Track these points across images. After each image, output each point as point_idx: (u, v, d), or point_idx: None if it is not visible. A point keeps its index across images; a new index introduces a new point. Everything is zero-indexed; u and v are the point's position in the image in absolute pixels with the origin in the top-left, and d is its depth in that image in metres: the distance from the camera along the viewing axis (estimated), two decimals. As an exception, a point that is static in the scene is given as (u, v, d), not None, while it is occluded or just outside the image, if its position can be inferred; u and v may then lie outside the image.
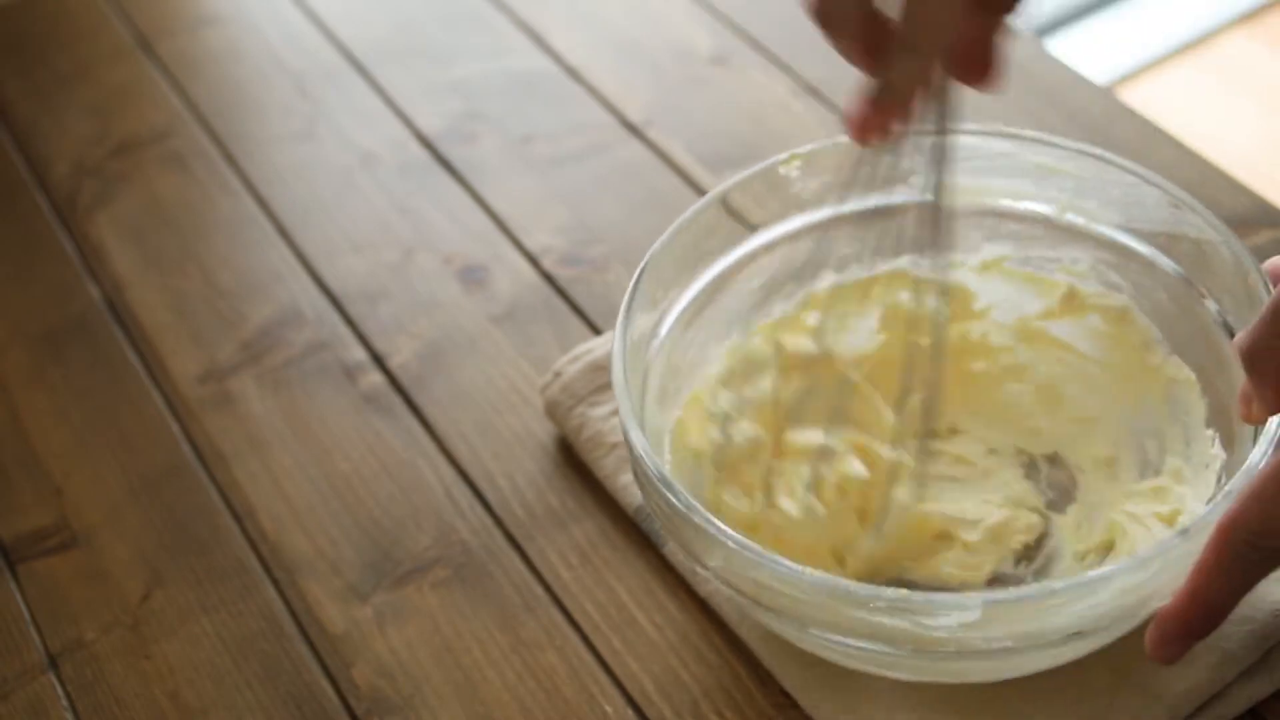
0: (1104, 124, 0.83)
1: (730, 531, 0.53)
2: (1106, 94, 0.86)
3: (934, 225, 0.56)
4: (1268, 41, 1.79)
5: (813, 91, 0.87)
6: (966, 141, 0.64)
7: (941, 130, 0.52)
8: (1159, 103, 1.66)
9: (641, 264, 0.62)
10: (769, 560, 0.52)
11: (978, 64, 0.49)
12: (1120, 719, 0.56)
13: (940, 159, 0.53)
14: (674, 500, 0.54)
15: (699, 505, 0.54)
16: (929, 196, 0.54)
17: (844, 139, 0.64)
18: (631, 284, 0.61)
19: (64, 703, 0.64)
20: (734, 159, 0.83)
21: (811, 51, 0.90)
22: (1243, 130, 1.66)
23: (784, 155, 0.65)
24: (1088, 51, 1.80)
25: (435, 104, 0.91)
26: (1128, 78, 1.74)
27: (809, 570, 0.52)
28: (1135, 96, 1.65)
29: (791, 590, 0.53)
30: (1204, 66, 1.77)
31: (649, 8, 0.96)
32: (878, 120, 0.51)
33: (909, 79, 0.50)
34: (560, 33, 0.94)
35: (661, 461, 0.56)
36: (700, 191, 0.82)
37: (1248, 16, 1.82)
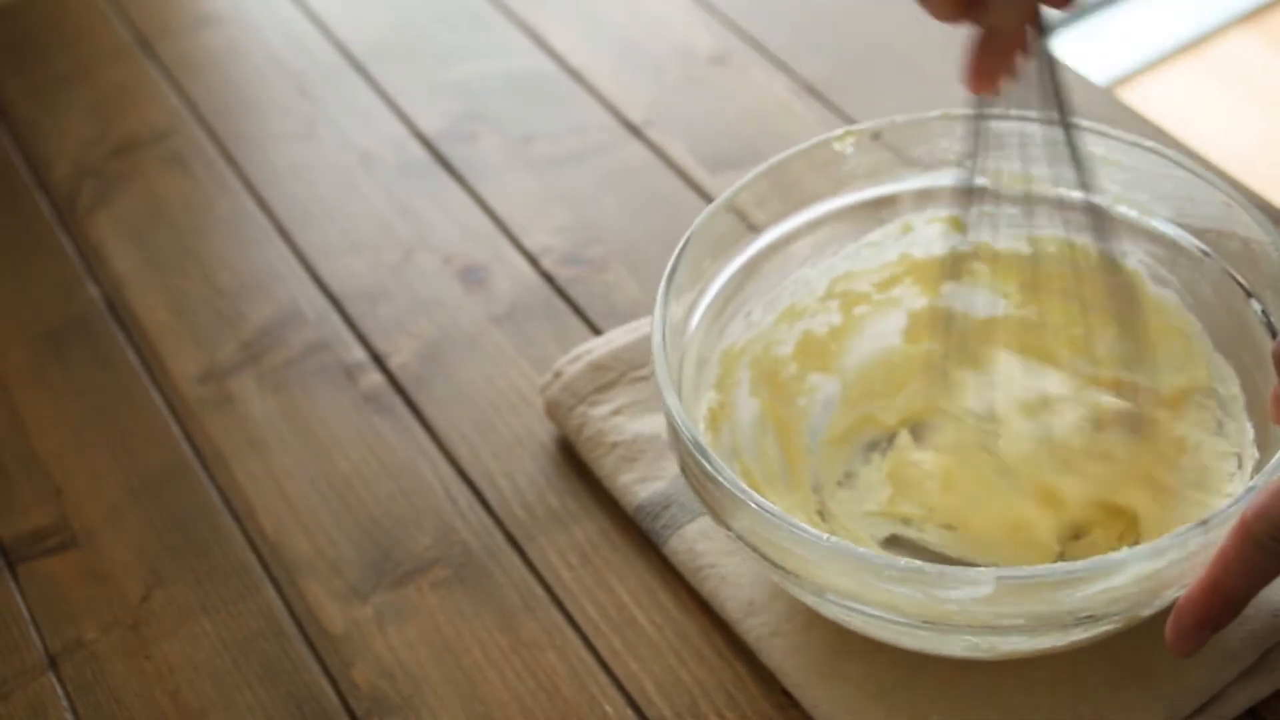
0: (1105, 124, 0.83)
1: (755, 495, 0.54)
2: (1107, 94, 0.86)
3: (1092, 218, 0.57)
4: (1268, 41, 1.79)
5: (813, 91, 0.87)
6: (1018, 128, 0.65)
7: (1061, 117, 0.56)
8: (1159, 103, 1.66)
9: (684, 238, 0.62)
10: (790, 524, 0.53)
11: None
12: (1120, 717, 0.56)
13: (1069, 154, 0.55)
14: (704, 463, 0.55)
15: (727, 468, 0.55)
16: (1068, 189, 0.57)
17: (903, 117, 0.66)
18: (673, 259, 0.61)
19: (64, 703, 0.64)
20: (734, 159, 0.83)
21: (811, 51, 0.90)
22: (1243, 130, 1.66)
23: (838, 132, 0.66)
24: (1088, 51, 1.80)
25: (435, 104, 0.91)
26: (1128, 78, 1.74)
27: (828, 536, 0.52)
28: (1135, 96, 1.65)
29: (810, 554, 0.53)
30: (1204, 66, 1.77)
31: (649, 8, 0.96)
32: (989, 66, 0.54)
33: (1012, 17, 0.54)
34: (560, 33, 0.94)
35: (695, 428, 0.57)
36: (700, 191, 0.82)
37: (1248, 16, 1.82)
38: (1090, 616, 0.52)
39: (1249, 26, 1.81)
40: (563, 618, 0.64)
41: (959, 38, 0.55)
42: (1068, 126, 0.57)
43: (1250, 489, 0.52)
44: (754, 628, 0.61)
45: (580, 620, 0.64)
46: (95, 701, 0.63)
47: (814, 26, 0.92)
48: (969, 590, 0.51)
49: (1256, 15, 1.82)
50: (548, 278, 0.79)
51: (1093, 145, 0.64)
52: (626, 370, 0.70)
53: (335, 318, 0.78)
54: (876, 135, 0.66)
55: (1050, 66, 0.56)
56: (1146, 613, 0.54)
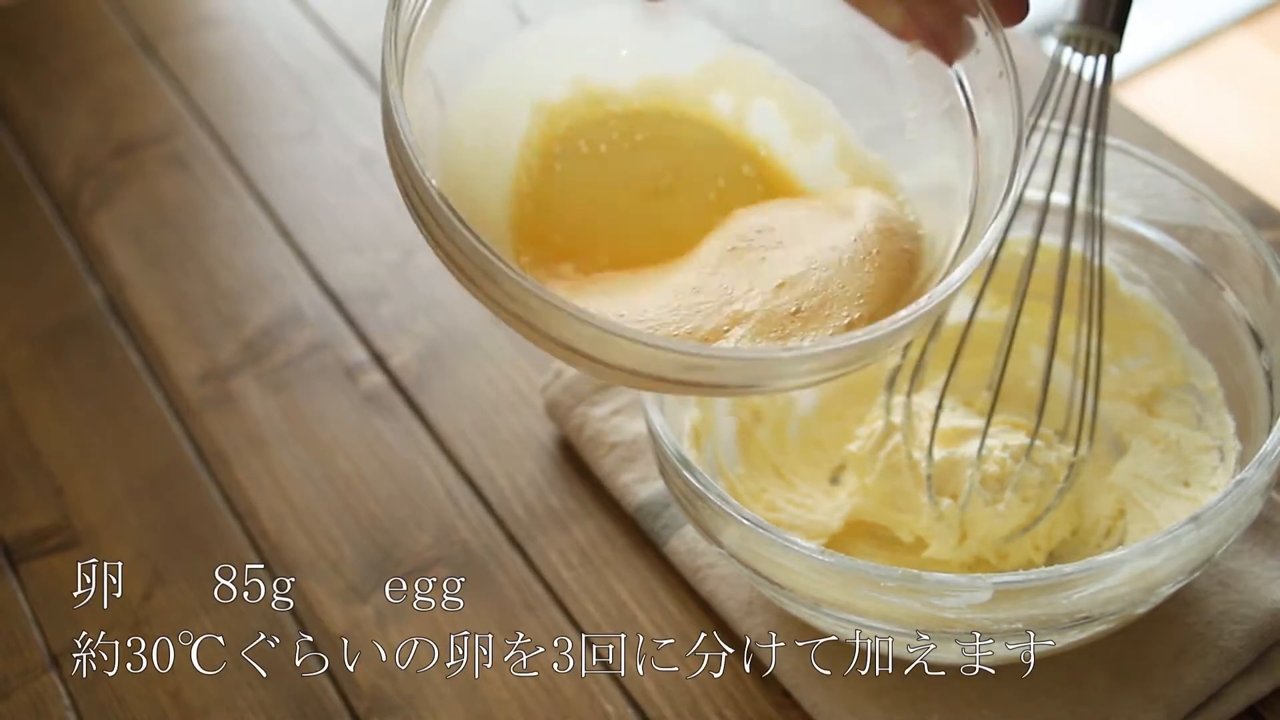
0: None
1: (744, 509, 0.54)
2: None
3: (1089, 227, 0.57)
4: (1268, 41, 1.79)
5: (813, 92, 0.87)
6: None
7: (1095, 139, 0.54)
8: (1159, 103, 1.66)
9: None
10: (782, 539, 0.53)
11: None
12: (1120, 717, 0.57)
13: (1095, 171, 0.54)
14: (690, 479, 0.55)
15: (715, 484, 0.55)
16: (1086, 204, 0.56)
17: None
18: None
19: (65, 702, 0.64)
20: (734, 159, 0.83)
21: (812, 52, 0.90)
22: (1243, 130, 1.66)
23: None
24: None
25: (436, 104, 0.91)
26: (1128, 78, 1.74)
27: (822, 549, 0.52)
28: (1135, 96, 1.65)
29: (804, 568, 0.53)
30: (1204, 66, 1.76)
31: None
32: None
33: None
34: (561, 33, 0.94)
35: (680, 442, 0.57)
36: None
37: (1248, 16, 1.82)
38: (1086, 618, 0.52)
39: (1249, 26, 1.81)
40: (563, 617, 0.64)
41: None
42: (1098, 145, 0.57)
43: (1240, 481, 0.52)
44: (754, 627, 0.61)
45: (580, 620, 0.64)
46: (96, 701, 0.63)
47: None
48: (967, 597, 0.51)
49: (1256, 15, 1.82)
50: (548, 278, 0.79)
51: (1059, 145, 0.64)
52: (626, 370, 0.70)
53: (336, 317, 0.79)
54: None
55: (1105, 87, 0.55)
56: (1141, 610, 0.54)
